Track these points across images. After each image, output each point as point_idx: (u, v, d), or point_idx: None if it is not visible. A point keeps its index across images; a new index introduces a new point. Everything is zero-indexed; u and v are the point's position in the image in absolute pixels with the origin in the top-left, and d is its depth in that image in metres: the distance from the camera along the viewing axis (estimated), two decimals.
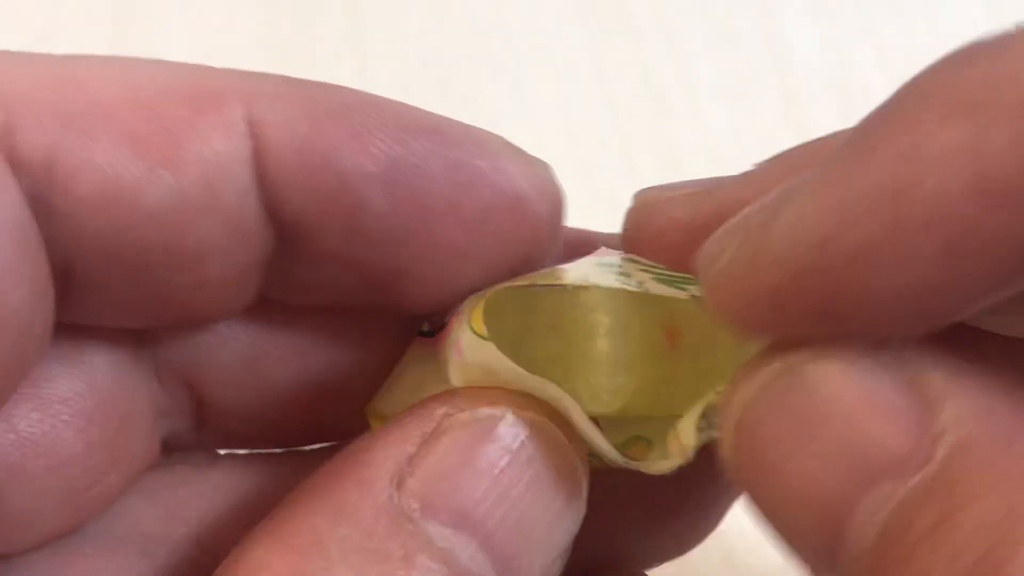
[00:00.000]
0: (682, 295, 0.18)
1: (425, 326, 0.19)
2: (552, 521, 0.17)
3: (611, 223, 0.43)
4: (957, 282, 0.14)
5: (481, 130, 0.18)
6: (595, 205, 0.40)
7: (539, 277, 0.18)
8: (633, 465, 0.18)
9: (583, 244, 0.20)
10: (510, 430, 0.17)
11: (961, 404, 0.15)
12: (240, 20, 0.45)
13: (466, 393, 0.18)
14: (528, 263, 0.19)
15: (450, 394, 0.18)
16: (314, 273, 0.18)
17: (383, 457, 0.17)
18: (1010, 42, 0.14)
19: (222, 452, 0.21)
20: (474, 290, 0.18)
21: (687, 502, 0.21)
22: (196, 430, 0.20)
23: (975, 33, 0.15)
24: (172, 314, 0.18)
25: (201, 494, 0.20)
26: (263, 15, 0.45)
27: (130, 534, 0.19)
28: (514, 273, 0.18)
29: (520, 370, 0.17)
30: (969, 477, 0.14)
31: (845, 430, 0.15)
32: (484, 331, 0.17)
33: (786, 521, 0.16)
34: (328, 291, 0.19)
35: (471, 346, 0.17)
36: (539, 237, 0.19)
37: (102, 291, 0.17)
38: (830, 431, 0.15)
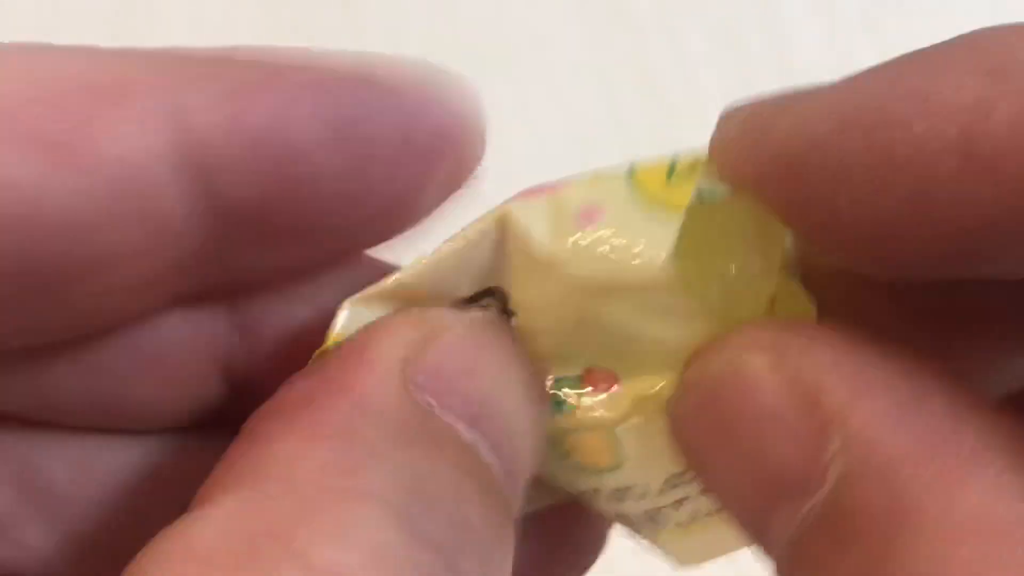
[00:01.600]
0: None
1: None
2: (537, 428, 0.17)
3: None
4: (918, 231, 0.14)
5: (398, 62, 0.18)
6: None
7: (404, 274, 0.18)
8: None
9: None
10: (506, 330, 0.17)
11: (856, 427, 0.14)
12: (240, 20, 0.45)
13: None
14: (466, 177, 0.19)
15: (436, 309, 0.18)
16: (271, 250, 0.17)
17: (389, 353, 0.16)
18: None
19: None
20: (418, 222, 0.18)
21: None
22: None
23: None
24: (84, 322, 0.17)
25: None
26: (262, 14, 0.45)
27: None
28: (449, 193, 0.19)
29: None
30: (855, 508, 0.14)
31: (754, 444, 0.15)
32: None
33: (720, 500, 0.16)
34: (287, 263, 0.18)
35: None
36: (476, 150, 0.18)
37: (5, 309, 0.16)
38: (742, 443, 0.15)
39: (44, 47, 0.16)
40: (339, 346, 0.17)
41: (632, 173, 0.18)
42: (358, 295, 0.18)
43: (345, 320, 0.17)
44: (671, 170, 0.17)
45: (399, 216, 0.18)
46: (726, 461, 0.16)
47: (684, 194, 0.17)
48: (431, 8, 0.45)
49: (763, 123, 0.16)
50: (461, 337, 0.17)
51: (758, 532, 0.16)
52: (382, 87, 0.17)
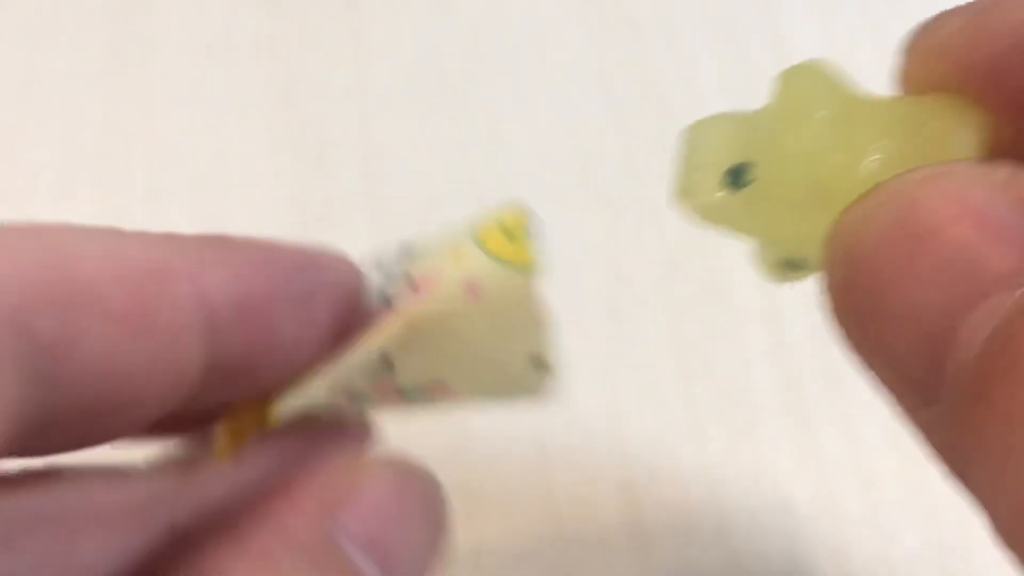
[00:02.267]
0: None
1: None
2: (430, 563, 0.22)
3: (611, 223, 0.43)
4: None
5: (307, 247, 0.23)
6: (595, 205, 0.40)
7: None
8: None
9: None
10: (427, 483, 0.22)
11: None
12: (240, 20, 0.45)
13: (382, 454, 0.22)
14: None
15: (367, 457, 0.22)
16: (218, 385, 0.22)
17: (320, 491, 0.21)
18: None
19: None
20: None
21: None
22: None
23: None
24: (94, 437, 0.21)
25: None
26: (263, 14, 0.45)
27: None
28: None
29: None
30: None
31: (954, 248, 0.15)
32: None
33: (888, 350, 0.16)
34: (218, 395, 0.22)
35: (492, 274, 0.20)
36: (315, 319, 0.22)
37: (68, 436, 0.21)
38: (938, 250, 0.15)
39: (111, 232, 0.21)
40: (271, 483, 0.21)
41: (477, 240, 0.21)
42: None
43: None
44: (506, 231, 0.20)
45: (308, 351, 0.22)
46: (912, 279, 0.15)
47: (528, 250, 0.20)
48: (431, 8, 0.45)
49: (985, 18, 0.17)
50: (386, 485, 0.21)
51: (935, 355, 0.15)
52: (301, 269, 0.22)
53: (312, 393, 0.22)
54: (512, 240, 0.20)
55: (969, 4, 0.18)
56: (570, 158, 0.41)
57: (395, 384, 0.22)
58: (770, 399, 0.36)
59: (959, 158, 0.17)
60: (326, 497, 0.20)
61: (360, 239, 0.39)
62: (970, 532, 0.34)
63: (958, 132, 0.18)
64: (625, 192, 0.40)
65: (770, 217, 0.19)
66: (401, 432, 0.24)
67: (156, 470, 0.23)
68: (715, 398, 0.36)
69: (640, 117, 0.42)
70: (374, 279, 0.23)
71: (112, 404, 0.20)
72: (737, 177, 0.19)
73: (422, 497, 0.22)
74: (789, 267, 0.20)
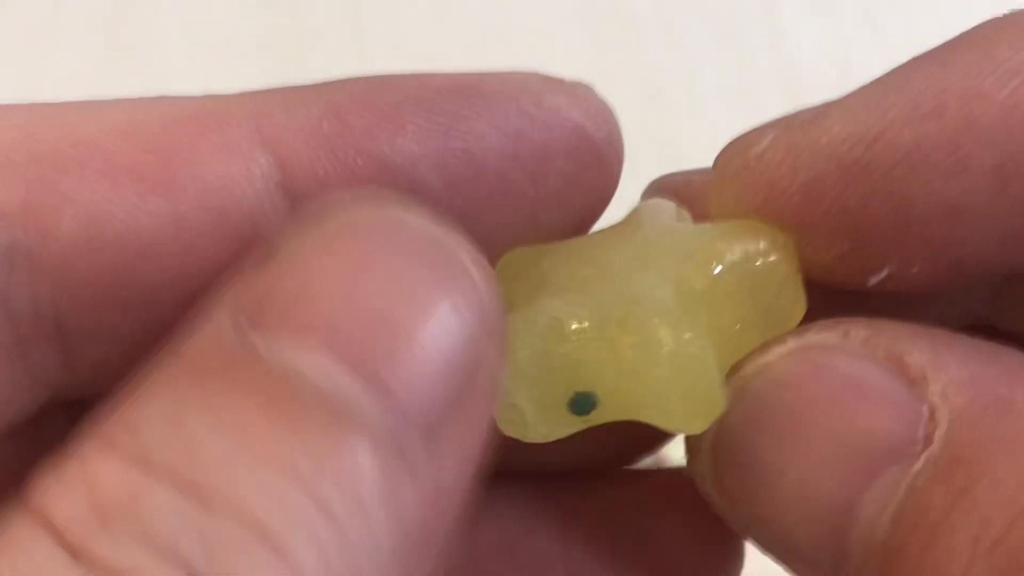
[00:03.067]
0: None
1: None
2: (430, 326, 0.13)
3: (611, 223, 0.43)
4: (1001, 208, 0.14)
5: (510, 73, 0.17)
6: None
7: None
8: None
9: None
10: (427, 231, 0.14)
11: (948, 376, 0.14)
12: (240, 20, 0.45)
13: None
14: (600, 196, 0.17)
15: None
16: None
17: (227, 289, 0.14)
18: None
19: None
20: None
21: None
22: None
23: None
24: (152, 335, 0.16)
25: None
26: (263, 15, 0.45)
27: None
28: (588, 214, 0.17)
29: None
30: (975, 450, 0.14)
31: (837, 423, 0.14)
32: None
33: (786, 531, 0.15)
34: None
35: None
36: (606, 167, 0.17)
37: (105, 338, 0.16)
38: (821, 426, 0.15)
39: (138, 98, 0.16)
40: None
41: None
42: None
43: None
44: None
45: (514, 229, 0.16)
46: (800, 459, 0.15)
47: None
48: (432, 8, 0.45)
49: (803, 135, 0.15)
50: (345, 260, 0.13)
51: (838, 533, 0.14)
52: (488, 101, 0.16)
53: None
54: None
55: (784, 119, 0.16)
56: None
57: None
58: None
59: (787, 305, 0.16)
60: (244, 291, 0.14)
61: None
62: None
63: (780, 276, 0.16)
64: (625, 191, 0.40)
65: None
66: None
67: None
68: None
69: (640, 117, 0.42)
70: None
71: (157, 287, 0.15)
72: (582, 408, 0.17)
73: (424, 260, 0.14)
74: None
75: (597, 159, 0.17)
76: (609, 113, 0.17)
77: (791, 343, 0.15)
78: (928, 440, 0.14)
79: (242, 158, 0.15)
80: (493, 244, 0.16)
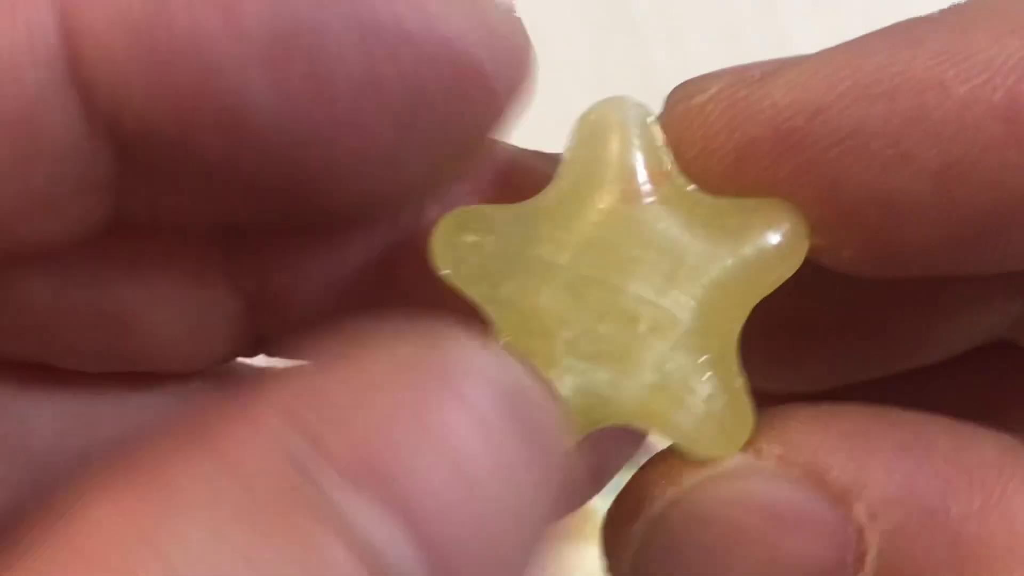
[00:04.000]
0: None
1: None
2: (522, 513, 0.11)
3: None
4: (943, 213, 0.13)
5: None
6: None
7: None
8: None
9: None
10: (493, 364, 0.11)
11: (873, 492, 0.13)
12: None
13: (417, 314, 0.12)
14: (477, 142, 0.14)
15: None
16: (189, 193, 0.13)
17: (280, 388, 0.11)
18: None
19: None
20: (406, 192, 0.14)
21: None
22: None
23: None
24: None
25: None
26: None
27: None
28: (460, 160, 0.14)
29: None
30: (912, 567, 0.13)
31: (760, 555, 0.13)
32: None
33: None
34: (215, 213, 0.14)
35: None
36: (493, 108, 0.14)
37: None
38: (746, 560, 0.13)
39: None
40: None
41: None
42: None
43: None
44: None
45: (361, 173, 0.13)
46: None
47: None
48: None
49: (747, 94, 0.14)
50: (402, 380, 0.11)
51: None
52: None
53: None
54: None
55: (738, 69, 0.15)
56: None
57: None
58: None
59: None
60: (292, 402, 0.11)
61: None
62: None
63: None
64: None
65: None
66: None
67: None
68: None
69: None
70: None
71: None
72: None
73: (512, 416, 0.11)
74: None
75: (486, 102, 0.13)
76: (513, 40, 0.14)
77: (702, 472, 0.14)
78: (859, 563, 0.13)
79: (20, 20, 0.12)
80: (349, 192, 0.13)
